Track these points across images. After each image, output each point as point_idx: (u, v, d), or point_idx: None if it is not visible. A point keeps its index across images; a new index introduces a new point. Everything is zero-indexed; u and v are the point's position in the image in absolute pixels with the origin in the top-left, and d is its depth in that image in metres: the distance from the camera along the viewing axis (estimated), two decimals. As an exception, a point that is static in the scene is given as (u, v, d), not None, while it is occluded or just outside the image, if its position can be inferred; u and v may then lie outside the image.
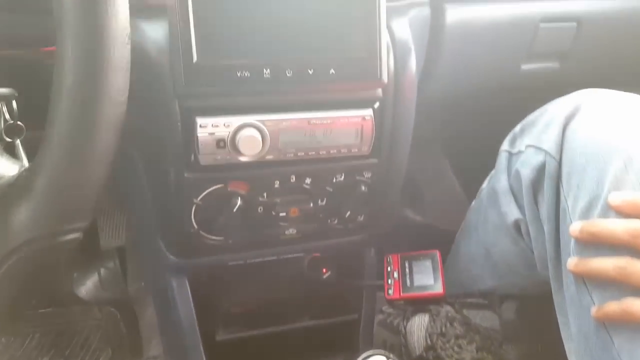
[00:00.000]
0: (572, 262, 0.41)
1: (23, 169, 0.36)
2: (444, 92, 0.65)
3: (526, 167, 0.48)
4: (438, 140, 1.03)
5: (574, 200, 0.43)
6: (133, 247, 0.83)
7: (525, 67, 0.66)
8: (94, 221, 0.85)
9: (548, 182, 0.45)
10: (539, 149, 0.47)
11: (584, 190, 0.42)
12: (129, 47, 0.34)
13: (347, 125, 0.48)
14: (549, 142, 0.46)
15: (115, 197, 0.81)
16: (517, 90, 0.71)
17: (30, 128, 0.40)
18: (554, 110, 0.48)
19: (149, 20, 0.44)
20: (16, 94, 0.40)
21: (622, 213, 0.39)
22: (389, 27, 0.49)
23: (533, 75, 0.67)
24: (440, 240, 0.71)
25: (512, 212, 0.50)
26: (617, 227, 0.38)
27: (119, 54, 0.33)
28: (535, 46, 0.64)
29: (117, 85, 0.33)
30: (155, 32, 0.44)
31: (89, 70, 0.32)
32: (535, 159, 0.47)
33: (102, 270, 0.88)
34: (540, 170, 0.46)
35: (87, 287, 0.86)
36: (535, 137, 0.48)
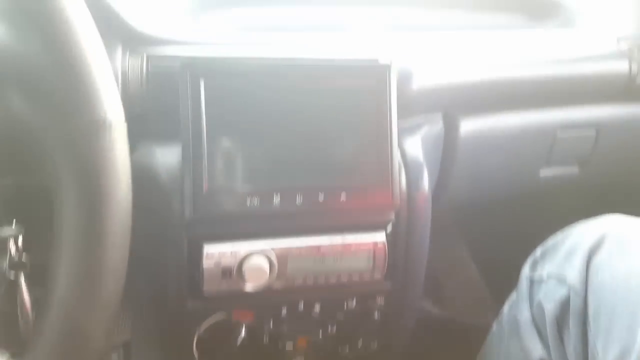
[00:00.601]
0: None
1: None
2: (459, 201, 0.63)
3: (549, 300, 0.44)
4: (454, 226, 1.01)
5: (604, 346, 0.39)
6: (138, 345, 0.80)
7: (543, 173, 0.64)
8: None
9: (574, 319, 0.42)
10: (562, 281, 0.44)
11: (615, 336, 0.38)
12: (129, 231, 0.32)
13: (358, 251, 0.46)
14: (573, 275, 0.43)
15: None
16: (536, 195, 0.69)
17: (38, 253, 0.39)
18: (577, 238, 0.46)
19: (161, 144, 0.45)
20: (22, 231, 0.40)
21: None
22: (400, 148, 0.48)
23: (552, 181, 0.65)
24: (461, 337, 0.66)
25: (537, 349, 0.46)
26: None
27: (119, 248, 0.31)
28: (554, 153, 0.63)
29: (115, 284, 0.31)
30: (167, 157, 0.44)
31: (82, 280, 0.30)
32: (559, 292, 0.44)
33: (107, 365, 0.84)
34: (565, 304, 0.43)
35: (90, 382, 0.82)
36: (557, 265, 0.46)
